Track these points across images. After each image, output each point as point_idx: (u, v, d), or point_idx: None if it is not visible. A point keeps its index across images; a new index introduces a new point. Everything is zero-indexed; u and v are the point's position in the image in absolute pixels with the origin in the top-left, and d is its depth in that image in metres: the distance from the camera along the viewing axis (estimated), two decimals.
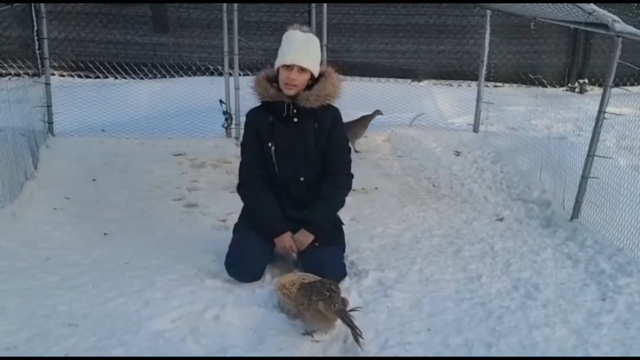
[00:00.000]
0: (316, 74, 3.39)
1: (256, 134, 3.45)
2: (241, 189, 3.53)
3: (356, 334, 2.71)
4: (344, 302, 2.86)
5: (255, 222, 3.46)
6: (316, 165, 3.45)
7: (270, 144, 3.41)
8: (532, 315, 3.08)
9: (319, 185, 3.45)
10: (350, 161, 3.53)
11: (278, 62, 3.36)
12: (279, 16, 7.76)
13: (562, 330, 2.94)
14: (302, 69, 3.31)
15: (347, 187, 3.52)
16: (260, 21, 7.62)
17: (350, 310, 2.82)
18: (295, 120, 3.39)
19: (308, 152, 3.42)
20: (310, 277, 3.18)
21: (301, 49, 3.31)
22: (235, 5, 5.50)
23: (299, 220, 3.43)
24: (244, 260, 3.39)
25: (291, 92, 3.34)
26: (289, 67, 3.30)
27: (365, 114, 5.67)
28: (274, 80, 3.40)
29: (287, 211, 3.44)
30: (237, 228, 3.58)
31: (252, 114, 3.52)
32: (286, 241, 3.41)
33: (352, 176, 3.53)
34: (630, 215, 3.85)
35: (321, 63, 3.44)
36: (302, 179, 3.45)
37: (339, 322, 2.80)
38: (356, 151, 5.52)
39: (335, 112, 3.47)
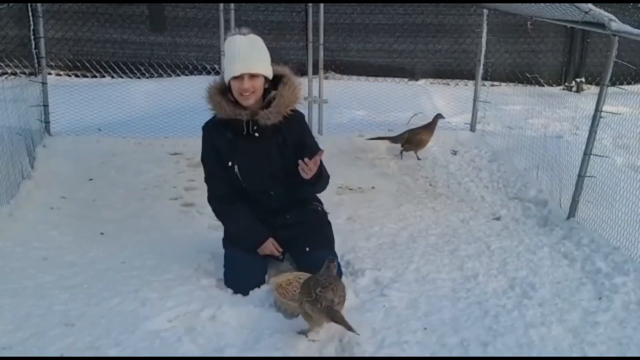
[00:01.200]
0: (270, 75, 3.21)
1: (214, 150, 3.28)
2: (211, 206, 3.43)
3: (348, 327, 2.68)
4: (335, 292, 2.75)
5: (235, 239, 3.38)
6: (284, 181, 3.31)
7: (231, 163, 3.25)
8: (529, 314, 3.08)
9: (292, 194, 3.35)
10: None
11: (227, 75, 3.15)
12: (276, 15, 7.75)
13: (559, 329, 2.95)
14: (252, 76, 3.12)
15: (328, 176, 3.35)
16: (257, 20, 7.59)
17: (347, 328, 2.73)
18: (257, 135, 3.22)
19: (273, 168, 3.28)
20: (306, 277, 3.17)
21: (246, 56, 3.09)
22: (232, 4, 5.50)
23: (276, 225, 3.37)
24: (241, 279, 3.30)
25: (249, 102, 3.16)
26: (239, 78, 3.11)
27: (426, 122, 5.54)
28: (228, 91, 3.21)
29: (262, 217, 3.35)
30: (225, 244, 3.47)
31: (208, 129, 3.32)
32: (268, 248, 3.36)
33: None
34: (627, 214, 3.86)
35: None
36: (272, 192, 3.35)
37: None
38: (418, 159, 5.48)
39: (299, 120, 3.32)
